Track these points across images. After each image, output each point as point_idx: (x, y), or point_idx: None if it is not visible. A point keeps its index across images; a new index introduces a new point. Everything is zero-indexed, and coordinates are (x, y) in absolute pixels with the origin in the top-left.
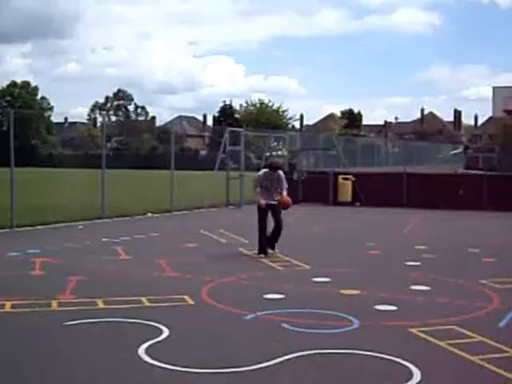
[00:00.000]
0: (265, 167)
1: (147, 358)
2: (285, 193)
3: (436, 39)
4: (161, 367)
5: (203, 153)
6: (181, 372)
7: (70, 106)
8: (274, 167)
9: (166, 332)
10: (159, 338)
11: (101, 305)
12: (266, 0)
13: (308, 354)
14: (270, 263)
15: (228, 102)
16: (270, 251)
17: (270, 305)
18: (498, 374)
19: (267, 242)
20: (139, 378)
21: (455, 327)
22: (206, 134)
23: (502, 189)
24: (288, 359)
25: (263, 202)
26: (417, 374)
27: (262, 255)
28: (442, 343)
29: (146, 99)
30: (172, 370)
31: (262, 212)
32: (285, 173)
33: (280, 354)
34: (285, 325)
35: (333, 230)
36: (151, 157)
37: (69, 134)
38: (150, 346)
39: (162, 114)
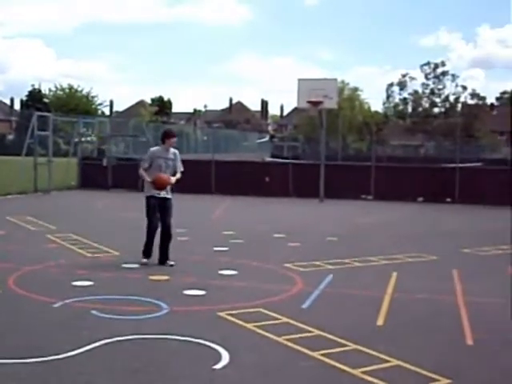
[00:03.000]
0: (172, 136)
1: None
2: (178, 175)
3: (245, 31)
4: None
5: (10, 137)
6: None
7: None
8: (170, 136)
9: None
10: None
11: None
12: None
13: (118, 341)
14: (79, 250)
15: (37, 86)
16: (169, 262)
17: (79, 292)
18: (302, 353)
19: (152, 246)
20: None
21: (262, 309)
22: (14, 118)
23: (305, 176)
24: (98, 346)
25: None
26: (225, 356)
27: (145, 259)
28: (249, 325)
29: None
30: None
31: (151, 206)
32: (94, 159)
33: (90, 342)
34: (94, 312)
35: (142, 217)
36: None
37: None
38: None
39: None
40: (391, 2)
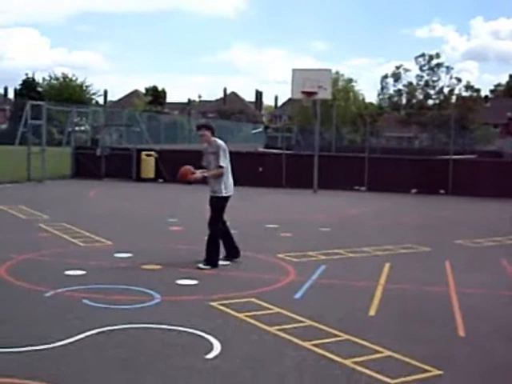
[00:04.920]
0: (202, 128)
1: None
2: (215, 171)
3: (239, 21)
4: None
5: (3, 127)
6: None
7: None
8: (201, 127)
9: None
10: None
11: None
12: None
13: (110, 330)
14: (72, 239)
15: (31, 75)
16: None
17: (71, 281)
18: (293, 343)
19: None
20: None
21: (254, 299)
22: (7, 107)
23: (298, 167)
24: (90, 335)
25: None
26: (217, 346)
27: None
28: (241, 315)
29: None
30: None
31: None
32: (88, 149)
33: (82, 331)
34: (86, 301)
35: (136, 206)
36: None
37: None
38: None
39: None
40: None
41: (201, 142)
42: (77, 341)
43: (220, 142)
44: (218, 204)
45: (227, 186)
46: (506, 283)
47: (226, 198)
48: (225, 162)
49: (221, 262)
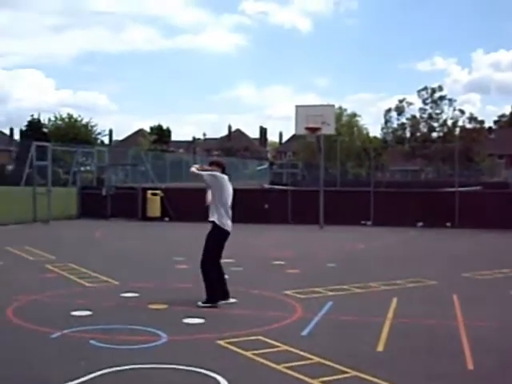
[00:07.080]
0: (211, 164)
1: None
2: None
3: (242, 60)
4: None
5: (10, 168)
6: None
7: None
8: (211, 163)
9: None
10: None
11: None
12: (76, 15)
13: (117, 371)
14: (78, 279)
15: (36, 116)
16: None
17: (78, 322)
18: (301, 381)
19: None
20: None
21: (261, 337)
22: (13, 148)
23: (304, 203)
24: (97, 376)
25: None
26: None
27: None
28: (248, 353)
29: None
30: None
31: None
32: (93, 188)
33: (88, 372)
34: (93, 341)
35: (142, 245)
36: None
37: None
38: None
39: None
40: (386, 28)
41: None
42: (83, 382)
43: (219, 173)
44: (216, 235)
45: (226, 222)
46: None
47: (225, 233)
48: (212, 181)
49: (225, 301)
